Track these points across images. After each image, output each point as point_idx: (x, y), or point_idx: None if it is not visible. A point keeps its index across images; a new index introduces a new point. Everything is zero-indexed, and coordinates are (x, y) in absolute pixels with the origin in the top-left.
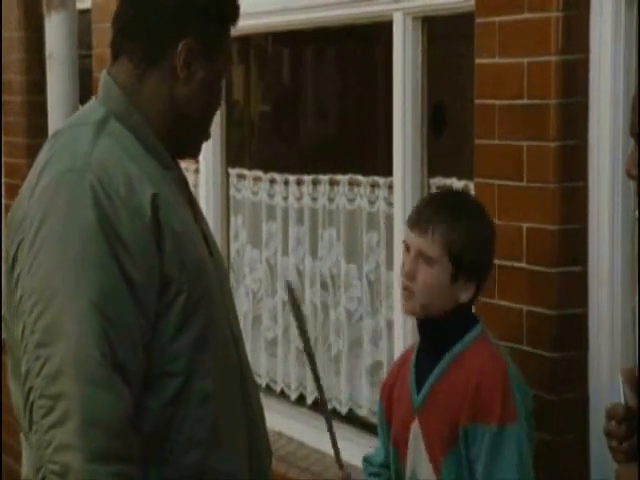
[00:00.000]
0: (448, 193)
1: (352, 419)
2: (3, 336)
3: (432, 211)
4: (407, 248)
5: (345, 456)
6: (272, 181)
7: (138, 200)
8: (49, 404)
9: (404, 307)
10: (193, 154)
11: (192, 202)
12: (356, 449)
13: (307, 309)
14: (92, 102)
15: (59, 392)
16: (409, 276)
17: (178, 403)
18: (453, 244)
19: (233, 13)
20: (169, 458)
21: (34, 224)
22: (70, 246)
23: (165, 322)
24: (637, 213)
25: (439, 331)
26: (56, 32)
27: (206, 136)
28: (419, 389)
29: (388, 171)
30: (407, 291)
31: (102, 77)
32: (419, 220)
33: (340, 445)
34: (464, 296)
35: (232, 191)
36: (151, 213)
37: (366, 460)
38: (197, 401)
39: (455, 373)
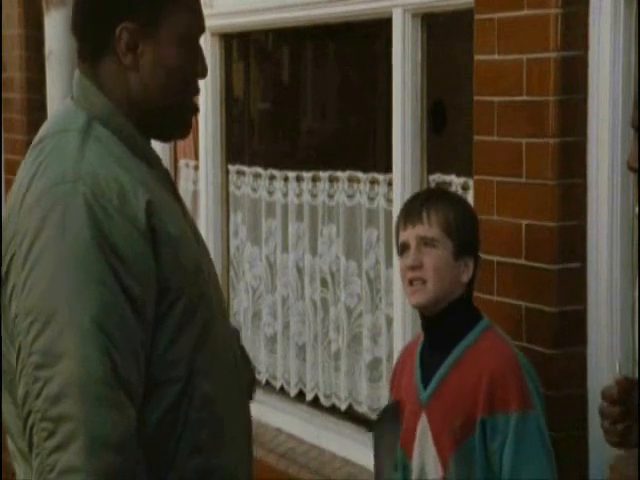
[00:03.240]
0: (428, 188)
1: (351, 415)
2: None
3: (421, 202)
4: (405, 247)
5: (344, 453)
6: (272, 178)
7: (132, 209)
8: (51, 427)
9: (415, 298)
10: (182, 134)
11: (179, 199)
12: (355, 446)
13: (307, 306)
14: (69, 104)
15: (61, 414)
16: (416, 266)
17: (178, 409)
18: (450, 223)
19: None
20: (172, 464)
21: (26, 238)
22: (67, 262)
23: (162, 329)
24: (637, 209)
25: (445, 328)
26: (56, 29)
27: (190, 112)
28: (425, 384)
29: (388, 168)
30: (417, 281)
31: (76, 77)
32: (410, 214)
33: (339, 442)
34: (465, 276)
35: (232, 188)
36: (146, 221)
37: None
38: (198, 405)
39: (465, 366)
